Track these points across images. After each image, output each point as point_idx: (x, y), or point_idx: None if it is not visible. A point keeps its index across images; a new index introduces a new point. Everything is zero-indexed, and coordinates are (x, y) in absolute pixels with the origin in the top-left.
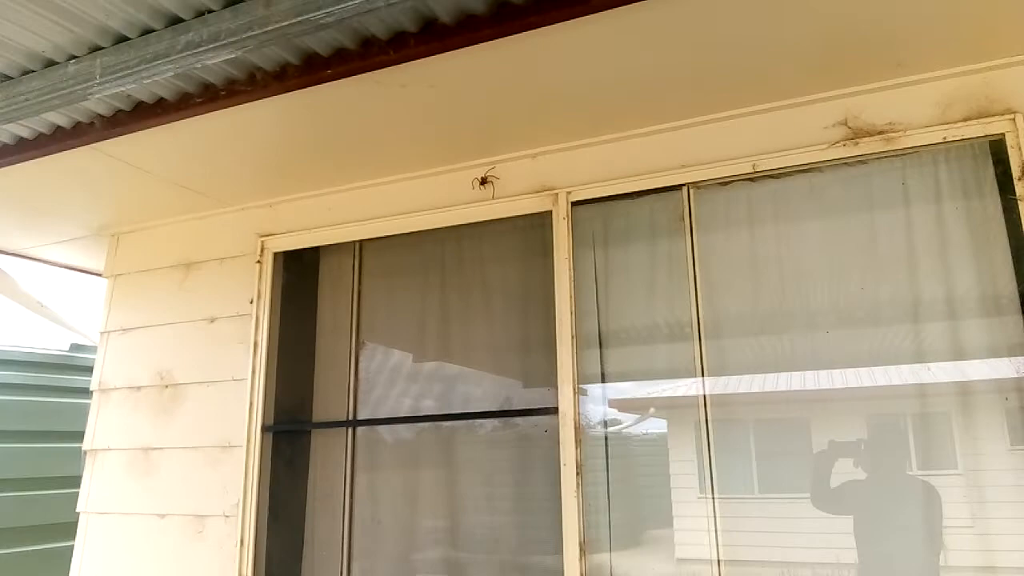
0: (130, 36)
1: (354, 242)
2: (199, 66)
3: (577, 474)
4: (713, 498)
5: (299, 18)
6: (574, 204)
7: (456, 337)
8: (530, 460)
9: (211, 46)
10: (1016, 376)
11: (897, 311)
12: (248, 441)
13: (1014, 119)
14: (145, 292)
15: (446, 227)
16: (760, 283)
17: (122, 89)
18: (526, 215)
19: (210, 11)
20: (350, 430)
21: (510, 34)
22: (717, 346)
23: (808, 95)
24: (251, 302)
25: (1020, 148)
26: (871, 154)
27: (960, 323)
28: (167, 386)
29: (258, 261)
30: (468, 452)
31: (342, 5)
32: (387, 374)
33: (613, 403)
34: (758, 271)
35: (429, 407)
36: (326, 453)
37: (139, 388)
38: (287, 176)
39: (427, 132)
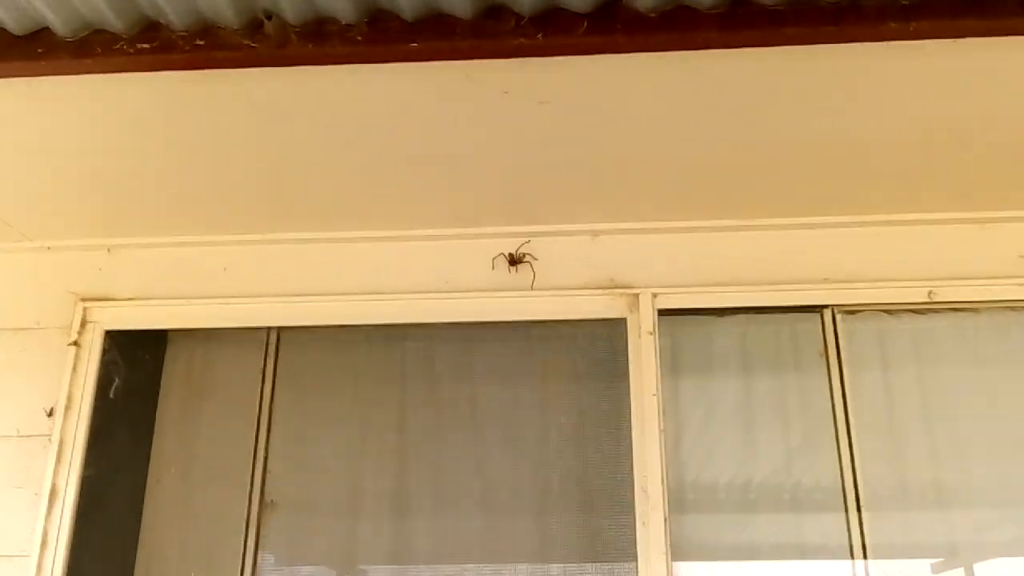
0: None
1: (267, 329)
2: None
3: None
4: None
5: None
6: (661, 313)
7: (448, 492)
8: None
9: None
10: None
11: None
12: None
13: None
14: None
15: (437, 323)
16: (935, 439)
17: None
18: (572, 320)
19: None
20: None
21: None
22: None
23: (1002, 211)
24: (50, 414)
25: None
26: None
27: None
28: None
29: (74, 342)
30: None
31: None
32: (316, 554)
33: None
34: (931, 423)
35: None
36: None
37: None
38: (149, 205)
39: (449, 175)
